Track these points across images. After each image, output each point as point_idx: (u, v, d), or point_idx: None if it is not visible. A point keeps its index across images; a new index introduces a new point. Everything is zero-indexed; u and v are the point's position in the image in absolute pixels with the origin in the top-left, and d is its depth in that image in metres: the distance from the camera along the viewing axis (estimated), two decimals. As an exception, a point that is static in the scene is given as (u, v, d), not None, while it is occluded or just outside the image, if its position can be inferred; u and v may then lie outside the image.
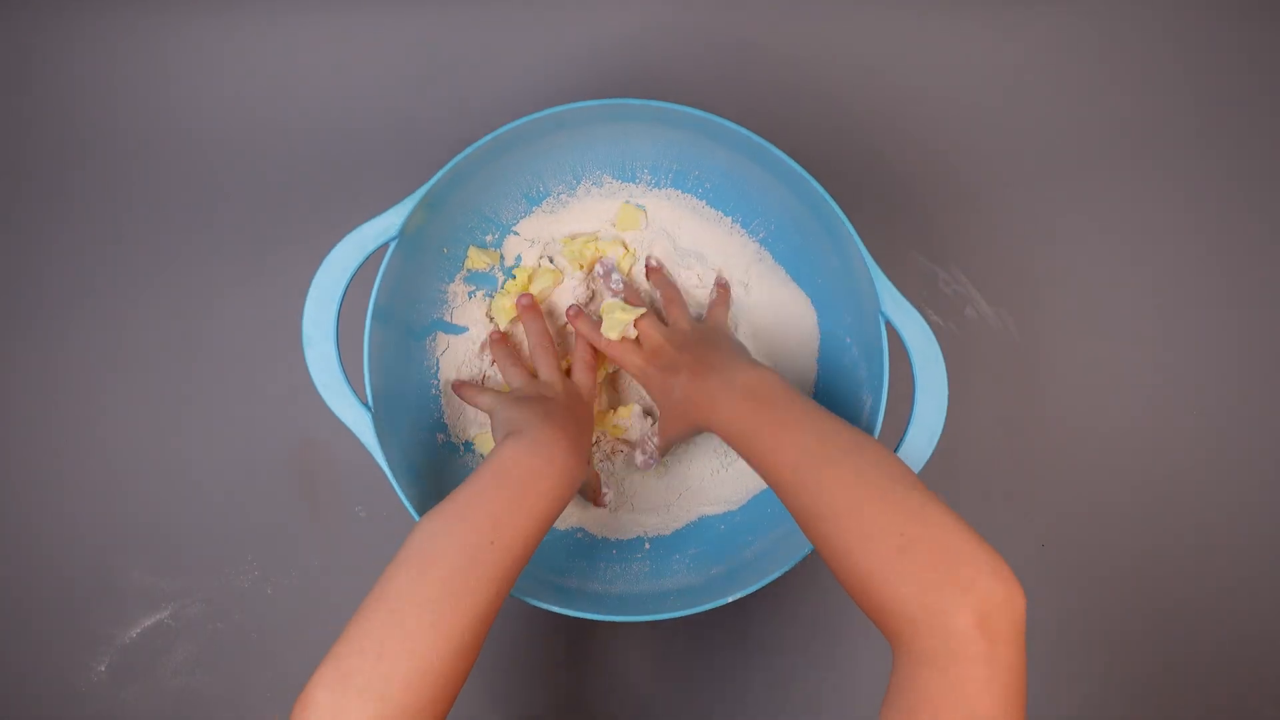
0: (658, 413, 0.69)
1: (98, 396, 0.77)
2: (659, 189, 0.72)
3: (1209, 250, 0.80)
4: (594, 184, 0.72)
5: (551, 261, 0.73)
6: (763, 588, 0.61)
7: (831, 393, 0.70)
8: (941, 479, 0.61)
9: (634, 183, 0.72)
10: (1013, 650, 0.44)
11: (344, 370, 0.60)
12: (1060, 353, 0.79)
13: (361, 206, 0.76)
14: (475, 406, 0.68)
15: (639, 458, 0.70)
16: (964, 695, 0.43)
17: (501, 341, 0.70)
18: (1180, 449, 0.78)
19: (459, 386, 0.70)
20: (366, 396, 0.61)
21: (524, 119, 0.61)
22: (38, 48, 0.80)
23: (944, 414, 0.60)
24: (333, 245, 0.61)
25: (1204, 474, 0.78)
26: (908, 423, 0.60)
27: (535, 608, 0.61)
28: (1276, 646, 0.77)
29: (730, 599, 0.61)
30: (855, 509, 0.49)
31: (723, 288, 0.72)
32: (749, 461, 0.57)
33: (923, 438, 0.60)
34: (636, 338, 0.68)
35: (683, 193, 0.72)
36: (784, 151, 0.61)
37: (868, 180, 0.80)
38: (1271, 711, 0.76)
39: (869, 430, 0.62)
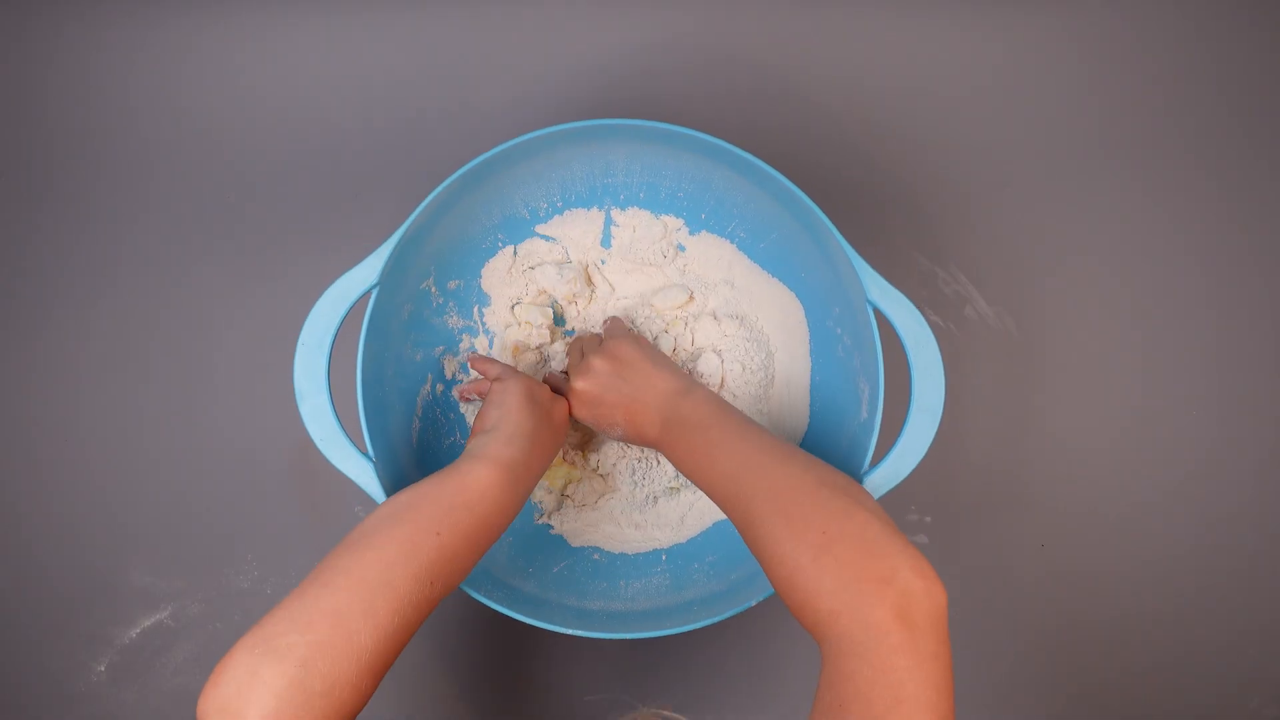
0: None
1: (97, 397, 0.77)
2: (632, 206, 0.73)
3: (1209, 249, 0.80)
4: (569, 206, 0.72)
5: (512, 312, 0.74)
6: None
7: (827, 385, 0.70)
8: (942, 478, 0.61)
9: (611, 200, 0.72)
10: (934, 640, 0.45)
11: (340, 420, 0.60)
12: (1060, 352, 0.79)
13: (363, 208, 0.78)
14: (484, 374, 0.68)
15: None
16: (890, 682, 0.44)
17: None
18: (1180, 448, 0.78)
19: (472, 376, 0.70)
20: (366, 447, 0.61)
21: (485, 155, 0.61)
22: (25, 56, 0.80)
23: (943, 394, 0.60)
24: (338, 250, 0.63)
25: (1203, 473, 0.78)
26: (908, 406, 0.60)
27: (555, 630, 0.62)
28: (1277, 644, 0.77)
29: (753, 602, 0.61)
30: (782, 512, 0.51)
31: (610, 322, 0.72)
32: (694, 480, 0.59)
33: (925, 420, 0.60)
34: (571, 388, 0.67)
35: (655, 207, 0.72)
36: (784, 161, 0.61)
37: (867, 182, 0.80)
38: (1272, 710, 0.76)
39: (870, 418, 0.62)
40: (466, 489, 0.55)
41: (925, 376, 0.60)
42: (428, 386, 0.71)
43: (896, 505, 0.75)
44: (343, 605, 0.47)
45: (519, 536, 0.71)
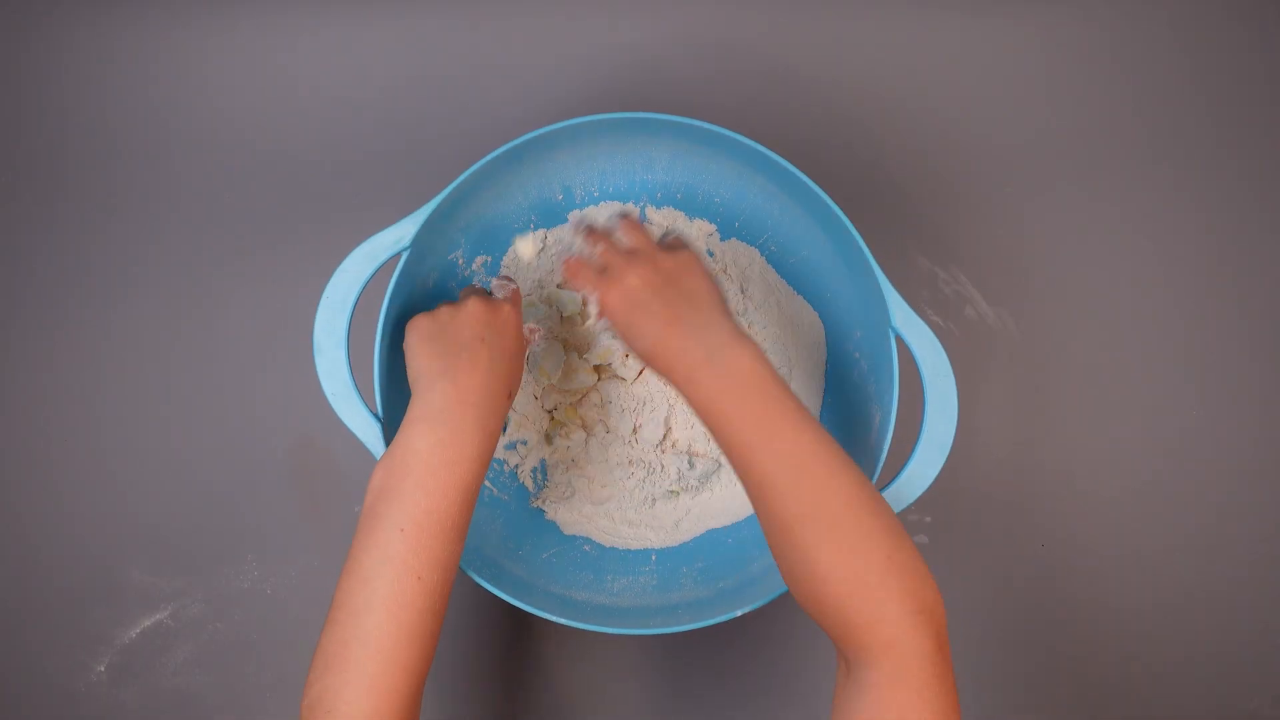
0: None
1: (97, 396, 0.77)
2: (667, 205, 0.73)
3: (1209, 248, 0.80)
4: (605, 197, 0.72)
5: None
6: (772, 607, 0.61)
7: (840, 405, 0.70)
8: (941, 478, 0.61)
9: (648, 197, 0.72)
10: (949, 663, 0.48)
11: (354, 379, 0.60)
12: (1060, 352, 0.79)
13: (367, 209, 0.77)
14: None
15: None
16: (934, 711, 0.46)
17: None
18: (1180, 447, 0.78)
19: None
20: (377, 407, 0.61)
21: (533, 133, 0.61)
22: (53, 48, 0.80)
23: (954, 429, 0.61)
24: (338, 249, 0.61)
25: (1204, 472, 0.78)
26: (918, 437, 0.61)
27: (537, 616, 0.62)
28: (1277, 645, 0.77)
29: (738, 613, 0.61)
30: (838, 525, 0.50)
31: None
32: (721, 442, 0.55)
33: (933, 452, 0.60)
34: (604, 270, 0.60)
35: (690, 209, 0.73)
36: (786, 157, 0.62)
37: (867, 181, 0.80)
38: (1272, 712, 0.76)
39: (879, 446, 0.62)
40: (406, 463, 0.53)
41: (939, 411, 0.60)
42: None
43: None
44: (373, 667, 0.49)
45: (511, 517, 0.71)
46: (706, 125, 0.62)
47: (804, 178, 0.62)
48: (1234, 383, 0.79)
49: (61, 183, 0.79)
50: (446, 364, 0.56)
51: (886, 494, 0.60)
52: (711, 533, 0.72)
